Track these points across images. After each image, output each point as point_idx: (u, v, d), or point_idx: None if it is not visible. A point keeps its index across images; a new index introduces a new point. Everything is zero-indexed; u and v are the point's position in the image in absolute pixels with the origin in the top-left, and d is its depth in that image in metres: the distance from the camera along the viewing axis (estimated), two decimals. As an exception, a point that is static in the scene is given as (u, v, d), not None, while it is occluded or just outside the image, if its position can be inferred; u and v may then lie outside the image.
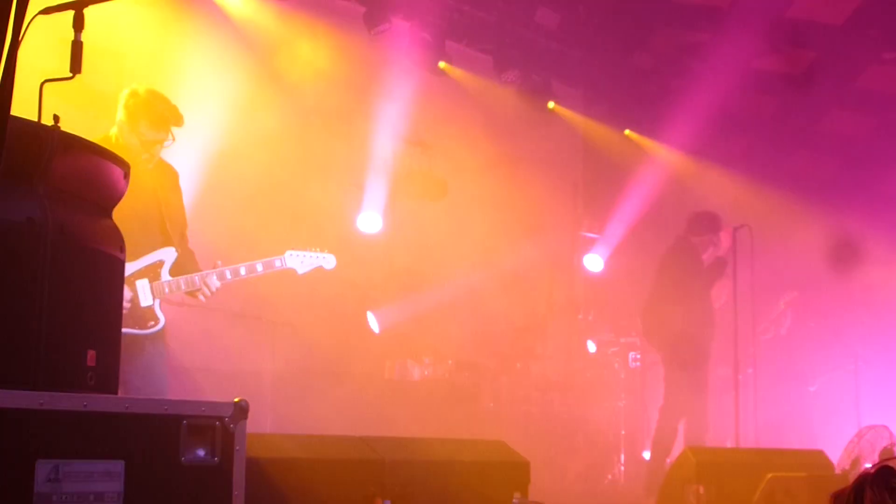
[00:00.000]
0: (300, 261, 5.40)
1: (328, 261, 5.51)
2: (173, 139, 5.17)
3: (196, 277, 5.12)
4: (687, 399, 7.80)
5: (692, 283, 7.86)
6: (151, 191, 5.14)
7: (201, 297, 5.17)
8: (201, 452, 2.89)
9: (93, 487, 2.65)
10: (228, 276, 5.19)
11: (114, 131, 5.13)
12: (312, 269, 5.46)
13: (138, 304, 4.94)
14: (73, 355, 2.91)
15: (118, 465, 2.71)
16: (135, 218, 4.35)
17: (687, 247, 8.06)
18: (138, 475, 2.74)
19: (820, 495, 5.28)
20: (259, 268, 5.27)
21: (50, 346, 2.80)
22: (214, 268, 5.19)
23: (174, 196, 5.33)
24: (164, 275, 5.03)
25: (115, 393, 3.08)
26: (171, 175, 5.36)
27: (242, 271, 5.22)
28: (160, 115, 5.10)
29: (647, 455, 9.22)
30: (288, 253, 5.36)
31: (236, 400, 3.00)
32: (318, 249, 5.49)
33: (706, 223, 8.09)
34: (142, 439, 2.78)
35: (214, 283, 5.16)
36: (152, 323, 4.99)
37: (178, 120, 5.17)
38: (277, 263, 5.33)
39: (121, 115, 5.11)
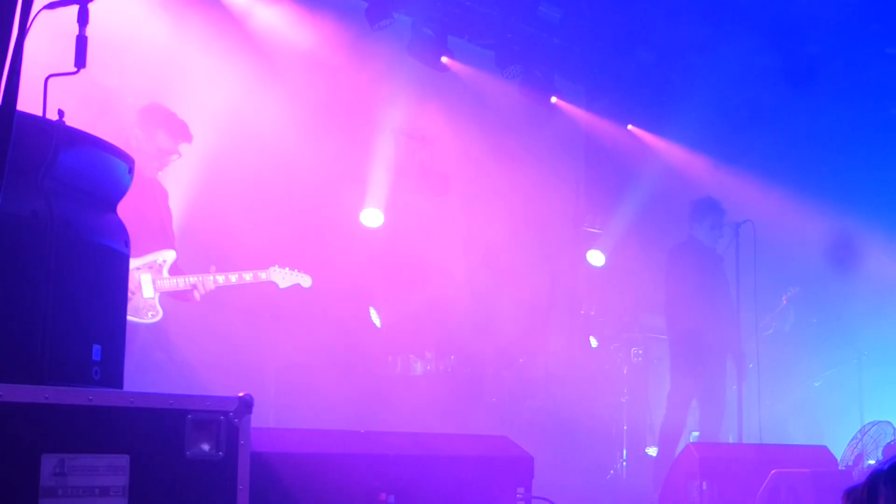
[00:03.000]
0: (282, 276, 6.05)
1: (305, 280, 6.18)
2: (180, 155, 5.83)
3: (192, 279, 5.65)
4: (692, 392, 7.80)
5: (696, 280, 7.83)
6: (155, 197, 5.74)
7: (196, 295, 5.70)
8: (206, 447, 2.90)
9: (98, 481, 2.66)
10: (220, 281, 5.75)
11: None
12: (291, 286, 6.12)
13: (141, 295, 5.40)
14: (78, 350, 2.91)
15: (123, 460, 2.71)
16: (141, 218, 5.04)
17: (690, 243, 8.05)
18: (143, 469, 2.75)
19: (823, 491, 5.29)
20: (247, 277, 5.90)
21: (55, 341, 2.80)
22: (209, 273, 5.73)
23: (166, 212, 5.93)
24: (165, 272, 5.54)
25: (121, 387, 3.08)
26: (163, 192, 5.94)
27: (233, 279, 5.82)
28: (177, 127, 5.75)
29: (649, 451, 9.22)
30: (273, 268, 6.00)
31: (240, 394, 3.00)
32: (297, 271, 6.17)
33: (702, 209, 8.06)
34: (146, 434, 2.78)
35: (208, 286, 5.72)
36: (152, 314, 5.46)
37: (189, 137, 5.82)
38: (263, 276, 5.98)
39: (138, 123, 5.67)
